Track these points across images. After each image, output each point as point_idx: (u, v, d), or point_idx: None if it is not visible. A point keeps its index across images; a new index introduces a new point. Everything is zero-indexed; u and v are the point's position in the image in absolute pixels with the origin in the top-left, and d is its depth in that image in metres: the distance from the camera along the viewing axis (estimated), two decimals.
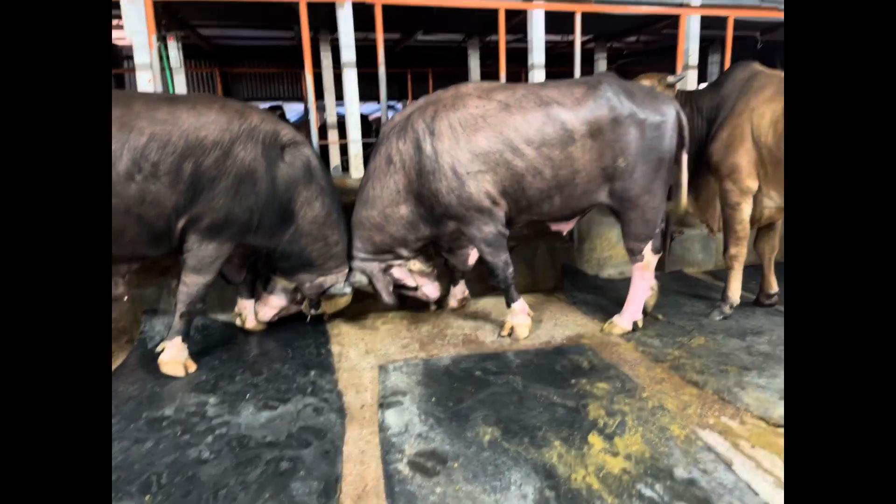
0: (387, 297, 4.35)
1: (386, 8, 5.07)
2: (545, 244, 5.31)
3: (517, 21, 6.34)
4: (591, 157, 3.88)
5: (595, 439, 2.79)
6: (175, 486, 2.51)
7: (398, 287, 4.47)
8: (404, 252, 4.31)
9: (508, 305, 4.23)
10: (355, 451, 2.77)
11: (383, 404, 3.21)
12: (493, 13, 5.56)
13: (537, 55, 5.91)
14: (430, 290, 4.54)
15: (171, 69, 6.82)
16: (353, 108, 5.41)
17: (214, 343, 4.18)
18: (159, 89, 4.84)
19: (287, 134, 3.78)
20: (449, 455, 2.69)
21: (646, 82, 4.65)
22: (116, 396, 3.35)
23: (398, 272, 4.41)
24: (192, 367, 3.71)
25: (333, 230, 4.08)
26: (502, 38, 5.30)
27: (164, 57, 6.67)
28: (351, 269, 4.30)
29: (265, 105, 11.47)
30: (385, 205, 4.10)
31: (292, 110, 13.07)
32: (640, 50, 12.14)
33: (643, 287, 4.22)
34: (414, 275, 4.45)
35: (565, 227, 4.46)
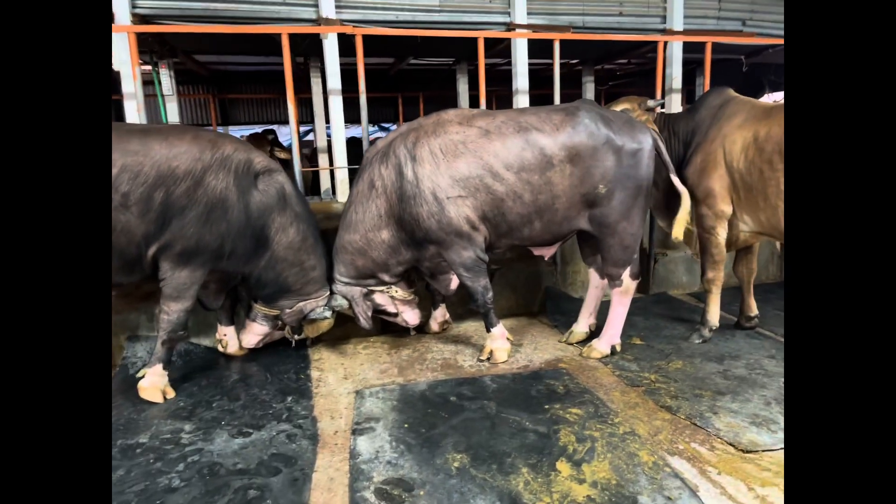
0: (365, 322, 4.37)
1: (370, 36, 5.17)
2: (528, 267, 5.33)
3: (503, 46, 6.47)
4: (571, 183, 3.93)
5: (563, 466, 2.79)
6: None
7: (378, 312, 4.50)
8: (386, 277, 4.33)
9: (488, 330, 4.26)
10: (324, 479, 2.78)
11: (356, 430, 3.22)
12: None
13: (521, 80, 6.03)
14: (411, 317, 4.56)
15: (163, 96, 6.91)
16: (339, 134, 5.50)
17: (195, 368, 4.20)
18: (146, 118, 4.91)
19: (261, 162, 3.84)
20: (416, 482, 2.70)
21: (626, 105, 4.70)
22: None
23: (380, 298, 4.43)
24: (171, 394, 3.73)
25: (310, 255, 4.11)
26: (482, 66, 5.39)
27: (157, 84, 6.78)
28: (332, 293, 4.33)
29: (259, 129, 11.58)
30: (367, 229, 4.15)
31: (286, 134, 13.21)
32: (633, 71, 12.28)
33: (622, 312, 4.24)
34: (395, 301, 4.47)
35: (547, 252, 4.50)
